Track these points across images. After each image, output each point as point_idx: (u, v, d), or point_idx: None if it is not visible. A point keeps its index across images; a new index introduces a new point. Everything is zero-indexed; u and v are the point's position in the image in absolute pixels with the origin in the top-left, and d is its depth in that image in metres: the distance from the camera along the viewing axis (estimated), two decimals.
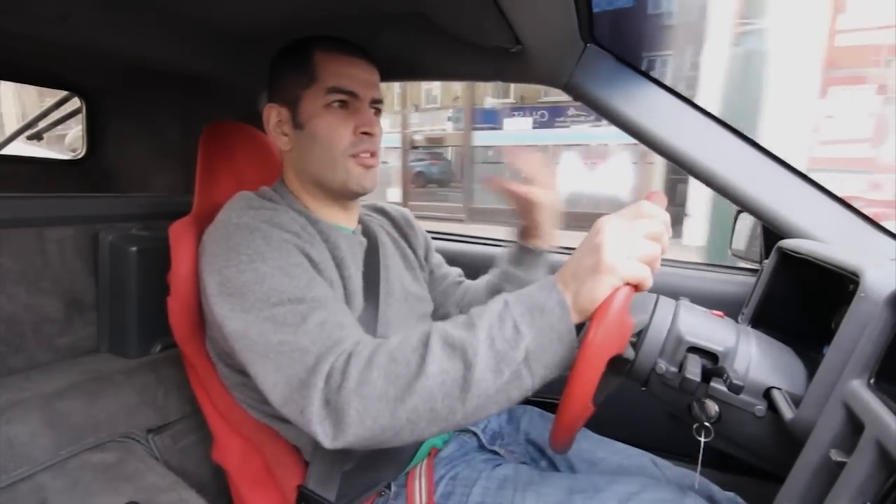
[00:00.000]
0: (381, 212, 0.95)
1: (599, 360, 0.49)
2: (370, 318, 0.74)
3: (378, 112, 0.78)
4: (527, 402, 0.99)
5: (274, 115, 0.76)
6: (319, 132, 0.72)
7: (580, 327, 0.52)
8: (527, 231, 0.88)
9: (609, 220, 0.52)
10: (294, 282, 0.60)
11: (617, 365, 0.59)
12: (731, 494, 0.75)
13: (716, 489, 0.75)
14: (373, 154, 0.75)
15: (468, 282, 1.00)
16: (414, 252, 0.94)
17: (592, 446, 0.84)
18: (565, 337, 0.50)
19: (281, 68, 0.76)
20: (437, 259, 1.00)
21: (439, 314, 0.96)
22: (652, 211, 0.52)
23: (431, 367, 0.50)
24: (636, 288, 0.51)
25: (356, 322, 0.63)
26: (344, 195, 0.78)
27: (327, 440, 0.54)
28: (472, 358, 0.50)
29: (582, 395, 0.51)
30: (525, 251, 0.89)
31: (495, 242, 1.37)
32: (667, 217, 0.53)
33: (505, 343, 0.50)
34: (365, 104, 0.74)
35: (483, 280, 0.96)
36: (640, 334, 0.62)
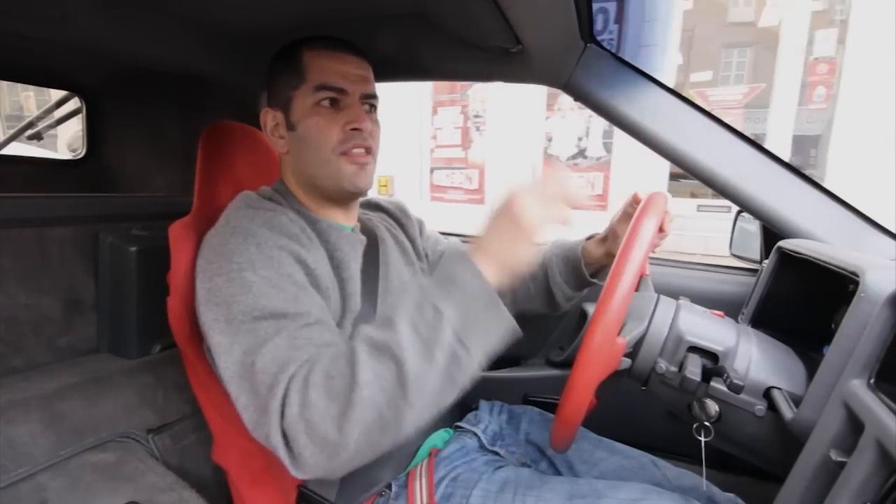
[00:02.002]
0: (377, 207, 0.95)
1: (602, 351, 0.50)
2: (368, 317, 0.74)
3: (373, 108, 0.77)
4: (526, 402, 1.00)
5: (270, 119, 0.76)
6: (310, 132, 0.72)
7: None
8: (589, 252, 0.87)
9: (518, 189, 0.54)
10: (280, 294, 0.60)
11: (615, 375, 0.59)
12: (731, 496, 0.74)
13: (716, 490, 0.75)
14: (367, 151, 0.74)
15: None
16: (412, 242, 0.93)
17: (592, 446, 0.84)
18: (490, 306, 0.50)
19: (274, 72, 0.76)
20: (433, 237, 0.99)
21: None
22: (555, 176, 0.54)
23: (364, 376, 0.49)
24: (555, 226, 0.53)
25: (332, 338, 0.61)
26: (340, 196, 0.77)
27: (293, 469, 0.53)
28: (400, 354, 0.49)
29: (584, 389, 0.51)
30: (582, 277, 0.88)
31: None
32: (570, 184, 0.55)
33: (428, 327, 0.49)
34: (355, 100, 0.73)
35: None
36: (637, 344, 0.62)
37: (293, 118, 0.73)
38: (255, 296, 0.59)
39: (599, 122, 4.68)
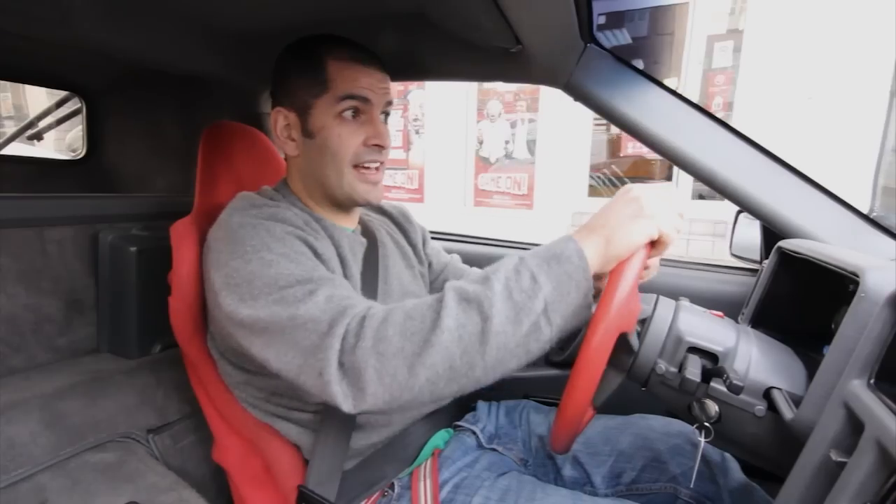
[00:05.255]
0: (380, 210, 0.95)
1: (606, 343, 0.50)
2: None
3: (387, 116, 0.78)
4: (525, 398, 1.00)
5: (282, 120, 0.75)
6: (330, 142, 0.72)
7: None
8: None
9: (639, 186, 0.55)
10: (300, 266, 0.61)
11: (620, 354, 0.59)
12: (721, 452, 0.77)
13: (710, 448, 0.76)
14: (380, 165, 0.76)
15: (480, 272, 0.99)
16: (413, 247, 0.93)
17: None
18: (583, 286, 0.51)
19: (290, 72, 0.75)
20: (435, 248, 1.00)
21: None
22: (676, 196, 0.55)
23: (447, 322, 0.50)
24: (654, 247, 0.54)
25: (363, 297, 0.63)
26: (350, 204, 0.78)
27: (347, 403, 0.53)
28: (488, 310, 0.50)
29: (584, 388, 0.51)
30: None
31: (497, 243, 1.37)
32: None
33: (523, 294, 0.50)
34: (377, 111, 0.74)
35: None
36: (644, 322, 0.62)
37: (312, 125, 0.73)
38: (276, 269, 0.59)
39: (524, 128, 5.16)
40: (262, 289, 0.59)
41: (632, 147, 4.86)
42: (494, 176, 5.37)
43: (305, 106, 0.73)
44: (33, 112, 1.48)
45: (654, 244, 0.54)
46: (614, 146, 4.98)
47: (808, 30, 3.30)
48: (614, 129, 4.89)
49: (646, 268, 0.57)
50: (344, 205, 0.78)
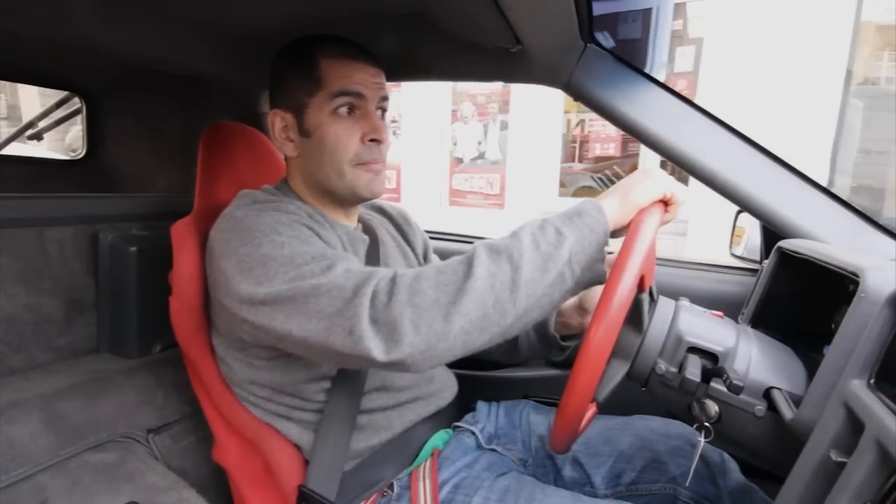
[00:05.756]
0: (380, 210, 0.96)
1: (633, 279, 0.51)
2: None
3: (384, 111, 0.78)
4: (525, 398, 1.00)
5: (279, 121, 0.75)
6: (327, 141, 0.72)
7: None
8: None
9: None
10: (312, 246, 0.61)
11: (635, 313, 0.61)
12: (719, 451, 0.78)
13: (709, 448, 0.76)
14: (381, 160, 0.76)
15: None
16: (413, 250, 0.94)
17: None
18: (601, 238, 0.56)
19: (284, 73, 0.75)
20: (435, 257, 1.00)
21: None
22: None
23: (479, 270, 0.53)
24: (667, 208, 0.60)
25: None
26: (352, 201, 0.78)
27: (381, 353, 0.53)
28: (518, 259, 0.53)
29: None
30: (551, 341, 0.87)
31: None
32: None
33: (549, 245, 0.54)
34: (372, 106, 0.74)
35: None
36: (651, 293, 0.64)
37: (308, 125, 0.73)
38: (290, 249, 0.60)
39: (495, 129, 5.33)
40: (277, 269, 0.59)
41: (600, 148, 5.06)
42: (468, 176, 5.55)
43: (301, 105, 0.73)
44: (27, 112, 1.48)
45: (666, 205, 0.60)
46: (581, 149, 5.17)
47: (766, 35, 3.42)
48: (590, 129, 5.04)
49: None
50: (346, 201, 0.78)
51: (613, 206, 0.58)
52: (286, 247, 0.60)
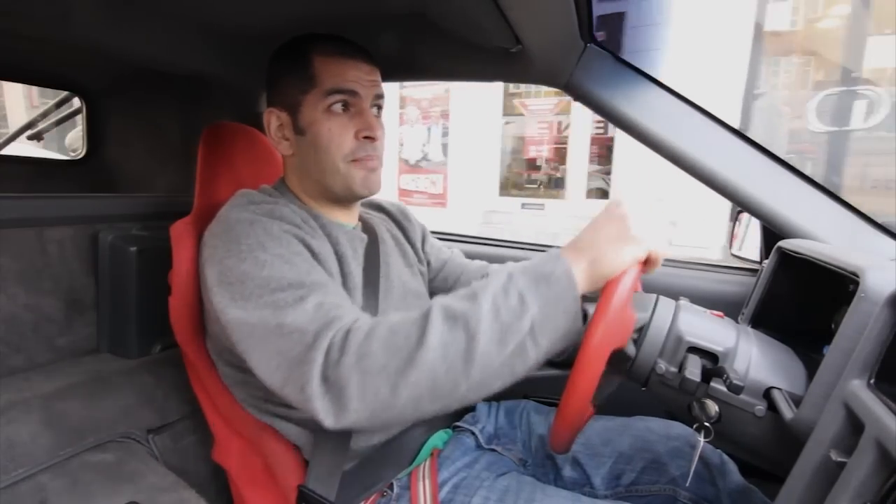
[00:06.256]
0: (379, 208, 0.95)
1: (604, 348, 0.49)
2: (369, 315, 0.74)
3: (380, 109, 0.77)
4: (525, 398, 1.00)
5: (274, 120, 0.75)
6: (321, 138, 0.72)
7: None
8: None
9: (626, 199, 0.53)
10: (294, 269, 0.60)
11: (618, 362, 0.59)
12: (718, 452, 0.77)
13: (708, 448, 0.76)
14: (376, 157, 0.75)
15: (483, 263, 0.98)
16: (412, 246, 0.93)
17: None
18: (570, 308, 0.50)
19: (279, 72, 0.75)
20: (435, 246, 0.99)
21: None
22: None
23: (432, 339, 0.50)
24: (645, 266, 0.53)
25: (354, 306, 0.63)
26: (349, 199, 0.78)
27: (329, 419, 0.53)
28: (475, 329, 0.49)
29: (584, 388, 0.51)
30: None
31: (500, 243, 1.37)
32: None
33: (510, 313, 0.50)
34: (367, 104, 0.74)
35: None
36: (641, 330, 0.62)
37: (302, 122, 0.73)
38: (270, 271, 0.59)
39: (438, 131, 5.61)
40: (253, 290, 0.59)
41: (534, 150, 5.33)
42: (414, 177, 5.85)
43: (295, 103, 0.73)
44: (10, 113, 1.48)
45: (645, 262, 0.54)
46: (520, 150, 5.47)
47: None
48: (528, 132, 5.27)
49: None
50: (343, 199, 0.78)
51: (584, 272, 0.52)
52: (266, 267, 0.59)
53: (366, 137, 0.73)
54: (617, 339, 0.51)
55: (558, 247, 0.57)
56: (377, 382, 0.50)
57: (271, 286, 0.58)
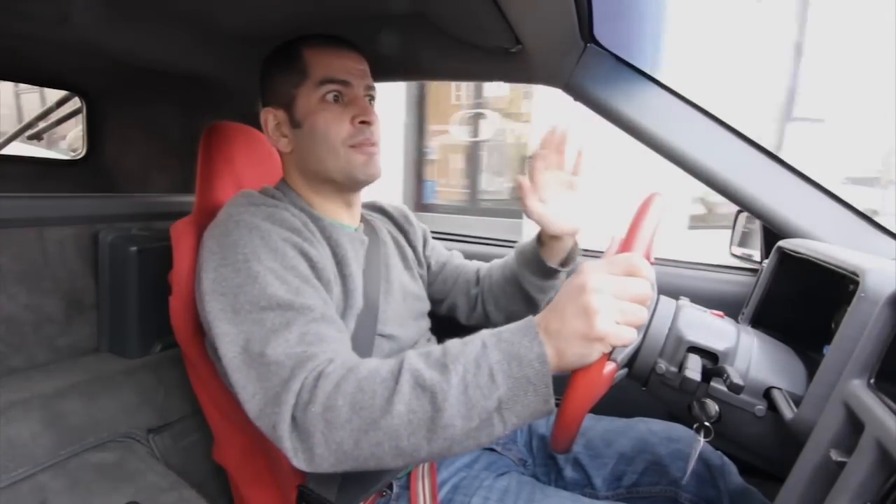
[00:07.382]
0: (381, 210, 0.96)
1: (580, 415, 0.50)
2: (370, 317, 0.74)
3: (372, 100, 0.78)
4: None
5: (271, 119, 0.76)
6: (318, 127, 0.72)
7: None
8: (546, 244, 0.83)
9: (595, 272, 0.48)
10: (284, 287, 0.60)
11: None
12: (718, 453, 0.77)
13: (708, 448, 0.76)
14: (373, 142, 0.75)
15: (478, 264, 0.98)
16: (413, 249, 0.93)
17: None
18: (541, 390, 0.49)
19: (271, 71, 0.76)
20: (436, 248, 0.99)
21: (446, 305, 0.96)
22: (642, 268, 0.49)
23: (399, 407, 0.50)
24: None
25: (340, 336, 0.62)
26: (350, 187, 0.78)
27: (297, 460, 0.53)
28: (441, 403, 0.49)
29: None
30: (543, 267, 0.83)
31: (499, 242, 1.37)
32: (653, 274, 0.50)
33: (478, 391, 0.49)
34: (359, 93, 0.74)
35: (499, 269, 0.92)
36: (641, 330, 0.62)
37: (298, 115, 0.73)
38: (262, 286, 0.59)
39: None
40: (243, 304, 0.59)
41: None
42: None
43: (289, 98, 0.74)
44: (27, 115, 1.48)
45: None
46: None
47: None
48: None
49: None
50: (345, 188, 0.77)
51: (553, 357, 0.49)
52: (259, 280, 0.60)
53: (362, 122, 0.73)
54: (593, 401, 0.51)
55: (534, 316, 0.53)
56: (341, 434, 0.51)
57: (261, 304, 0.58)
